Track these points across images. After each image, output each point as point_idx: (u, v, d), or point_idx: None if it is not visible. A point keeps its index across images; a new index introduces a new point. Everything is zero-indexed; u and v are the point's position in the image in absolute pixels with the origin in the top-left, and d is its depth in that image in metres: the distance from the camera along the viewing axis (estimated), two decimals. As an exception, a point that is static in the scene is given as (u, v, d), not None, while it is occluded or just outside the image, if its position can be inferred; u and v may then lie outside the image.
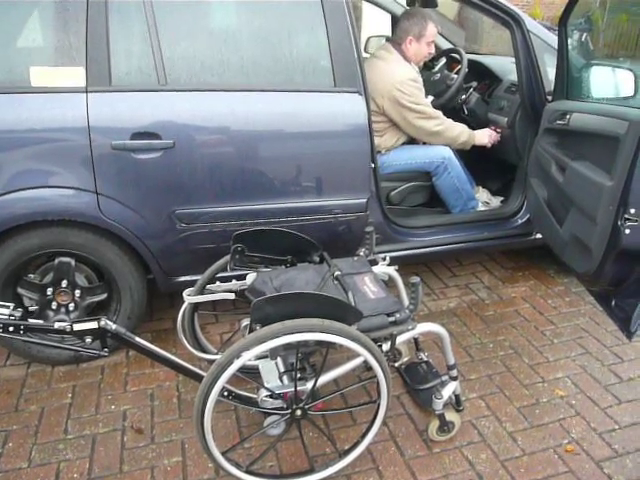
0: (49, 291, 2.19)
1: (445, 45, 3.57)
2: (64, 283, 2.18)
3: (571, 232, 2.26)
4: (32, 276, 2.20)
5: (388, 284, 2.06)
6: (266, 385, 1.68)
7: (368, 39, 3.59)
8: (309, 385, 1.69)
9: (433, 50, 2.84)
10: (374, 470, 1.87)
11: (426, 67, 3.25)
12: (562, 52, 2.34)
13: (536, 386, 2.25)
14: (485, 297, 2.87)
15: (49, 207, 2.03)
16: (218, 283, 2.03)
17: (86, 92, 1.98)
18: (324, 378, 1.72)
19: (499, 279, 3.04)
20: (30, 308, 2.23)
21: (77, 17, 1.96)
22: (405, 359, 2.26)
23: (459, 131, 2.81)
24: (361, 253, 2.13)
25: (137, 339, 1.70)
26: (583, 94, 2.38)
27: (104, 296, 2.28)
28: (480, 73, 3.27)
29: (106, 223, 2.08)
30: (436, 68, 3.18)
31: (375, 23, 2.96)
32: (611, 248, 2.02)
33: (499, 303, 2.82)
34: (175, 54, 2.06)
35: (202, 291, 2.04)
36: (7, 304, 1.65)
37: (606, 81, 2.36)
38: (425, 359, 2.18)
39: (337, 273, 1.89)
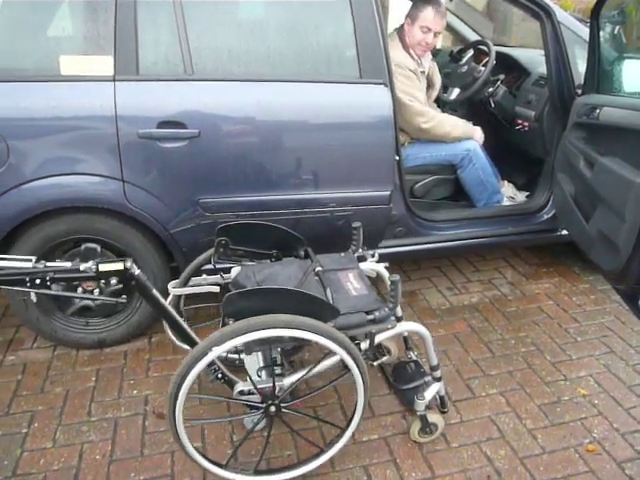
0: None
1: (473, 37, 3.52)
2: (91, 280, 2.21)
3: (598, 229, 2.21)
4: (59, 261, 2.24)
5: (376, 282, 2.02)
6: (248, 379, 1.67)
7: (394, 30, 3.56)
8: (285, 382, 1.68)
9: (431, 40, 2.67)
10: (391, 462, 1.87)
11: (453, 59, 3.21)
12: (593, 45, 2.29)
13: (558, 384, 2.22)
14: (508, 293, 2.84)
15: (76, 194, 2.06)
16: (204, 276, 2.02)
17: (114, 81, 2.00)
18: (298, 376, 1.70)
19: (523, 275, 3.01)
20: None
21: (106, 6, 1.98)
22: (385, 358, 2.18)
23: (450, 127, 2.71)
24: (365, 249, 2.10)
25: (154, 291, 1.69)
26: (615, 88, 2.33)
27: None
28: (508, 66, 3.22)
29: (131, 211, 2.11)
30: (463, 60, 3.13)
31: (402, 14, 2.92)
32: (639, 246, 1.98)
33: (522, 299, 2.79)
34: (202, 44, 2.07)
35: (187, 283, 2.03)
36: (29, 257, 1.62)
37: (639, 75, 2.30)
38: (414, 358, 2.13)
39: (318, 269, 1.86)
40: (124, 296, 1.72)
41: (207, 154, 2.09)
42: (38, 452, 1.90)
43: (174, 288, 2.00)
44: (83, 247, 2.20)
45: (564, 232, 2.78)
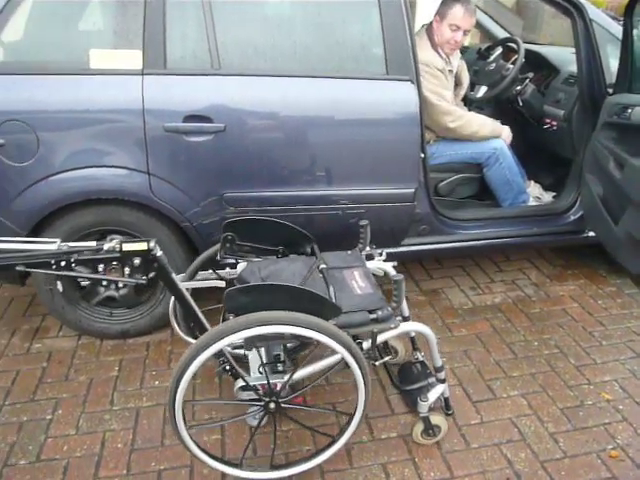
0: (100, 268, 2.25)
1: (501, 34, 3.47)
2: (115, 261, 2.24)
3: (627, 231, 2.17)
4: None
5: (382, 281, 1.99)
6: (251, 375, 1.67)
7: (422, 27, 3.53)
8: (286, 379, 1.67)
9: (460, 38, 2.63)
10: (410, 461, 1.87)
11: (481, 57, 3.17)
12: (626, 43, 2.25)
13: (581, 388, 2.19)
14: (532, 294, 2.81)
15: (103, 186, 2.09)
16: (211, 270, 2.02)
17: (142, 75, 2.02)
18: (300, 373, 1.69)
19: (547, 276, 2.96)
20: (82, 283, 2.31)
21: (136, 1, 2.00)
22: (388, 358, 2.11)
23: (477, 127, 2.68)
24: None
25: (173, 275, 1.70)
26: (648, 88, 2.28)
27: (152, 274, 2.33)
28: (537, 64, 3.17)
29: (157, 203, 2.13)
30: (491, 58, 3.09)
31: (429, 10, 2.89)
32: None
33: (546, 301, 2.75)
34: (229, 38, 2.07)
35: (193, 277, 2.04)
36: (53, 240, 1.63)
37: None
38: (421, 359, 2.09)
39: (322, 266, 1.85)
40: (144, 277, 1.72)
41: (232, 148, 2.10)
42: (62, 438, 1.94)
43: (180, 282, 2.01)
44: (109, 239, 2.23)
45: (591, 234, 2.73)
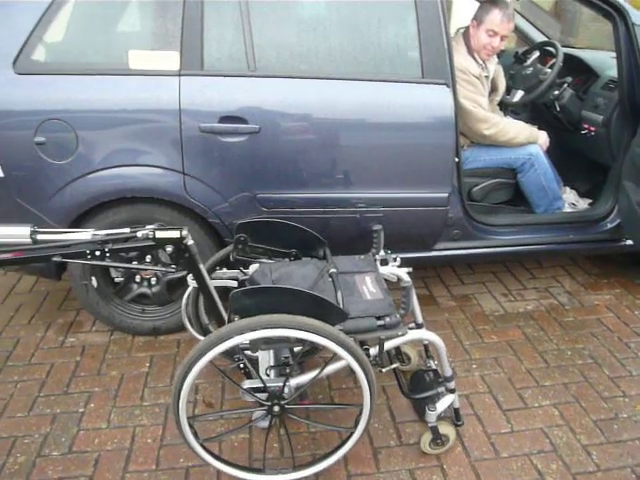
0: (134, 264, 2.30)
1: (539, 38, 3.41)
2: (148, 258, 2.28)
3: (667, 240, 2.12)
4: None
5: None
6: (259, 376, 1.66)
7: (458, 30, 3.50)
8: (292, 383, 1.65)
9: (497, 44, 2.58)
10: (438, 468, 1.85)
11: (518, 61, 3.12)
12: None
13: (616, 400, 2.14)
14: (565, 302, 2.75)
15: (139, 185, 2.13)
16: (224, 270, 2.02)
17: (179, 76, 2.05)
18: (304, 378, 1.68)
19: (582, 285, 2.90)
20: (116, 279, 2.36)
21: (175, 2, 2.03)
22: (396, 365, 2.04)
23: (513, 134, 2.63)
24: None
25: (201, 266, 1.71)
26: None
27: (184, 273, 2.36)
28: (576, 68, 3.10)
29: (191, 203, 2.16)
30: (528, 62, 3.04)
31: (466, 13, 2.87)
32: None
33: (580, 310, 2.70)
34: (265, 41, 2.09)
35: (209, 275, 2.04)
36: (87, 230, 1.66)
37: None
38: (434, 367, 2.03)
39: (332, 270, 1.82)
40: (174, 266, 1.73)
41: (266, 150, 2.11)
42: (93, 432, 1.97)
43: (193, 280, 2.02)
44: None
45: (629, 242, 2.68)
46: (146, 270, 2.31)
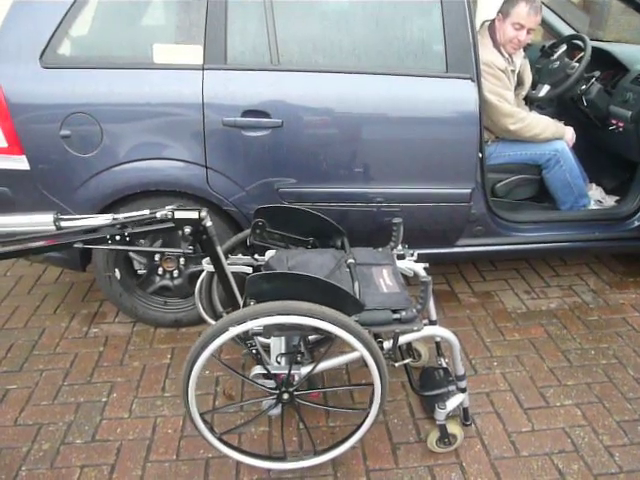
0: (156, 257, 2.32)
1: (567, 31, 3.35)
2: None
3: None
4: (142, 242, 2.34)
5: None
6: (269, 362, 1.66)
7: (483, 23, 3.45)
8: (302, 371, 1.64)
9: (523, 37, 2.54)
10: (457, 465, 1.84)
11: (544, 54, 3.06)
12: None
13: (640, 401, 2.11)
14: (590, 301, 2.71)
15: (162, 178, 2.14)
16: (240, 255, 2.01)
17: (202, 69, 2.05)
18: (318, 367, 1.66)
19: (607, 283, 2.85)
20: (139, 272, 2.39)
21: (199, -4, 2.03)
22: (409, 360, 2.04)
23: (540, 130, 2.59)
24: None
25: (218, 248, 1.72)
26: None
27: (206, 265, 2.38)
28: (604, 62, 3.04)
29: (213, 196, 2.17)
30: (555, 55, 2.98)
31: (492, 5, 2.82)
32: None
33: (605, 309, 2.65)
34: (289, 35, 2.09)
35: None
36: (106, 215, 1.68)
37: None
38: (444, 365, 2.02)
39: (350, 261, 1.81)
40: (191, 248, 1.73)
41: (289, 144, 2.11)
42: (115, 421, 2.00)
43: (208, 264, 1.99)
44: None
45: (656, 240, 2.62)
46: (164, 253, 2.30)
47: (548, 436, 1.95)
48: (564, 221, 2.64)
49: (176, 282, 2.39)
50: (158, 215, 1.65)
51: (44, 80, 2.03)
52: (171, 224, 1.65)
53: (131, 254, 2.35)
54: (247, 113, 2.06)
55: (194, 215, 1.63)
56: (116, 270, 2.33)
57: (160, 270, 2.38)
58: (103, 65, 2.06)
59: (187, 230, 1.65)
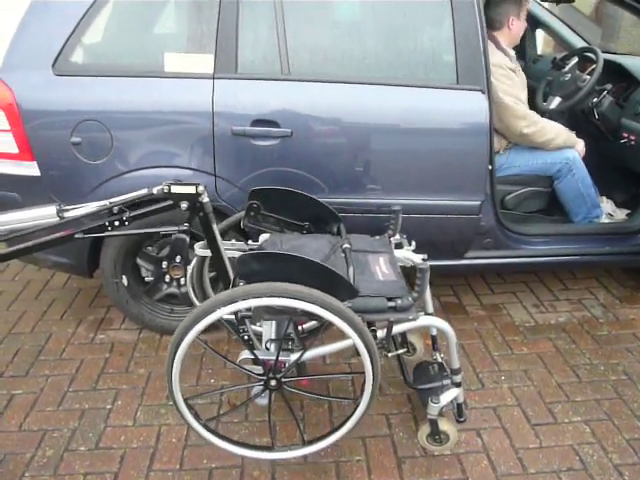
0: (164, 264, 2.31)
1: (578, 43, 3.34)
2: (178, 258, 2.29)
3: None
4: (150, 249, 2.35)
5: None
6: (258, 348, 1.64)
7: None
8: (291, 358, 1.61)
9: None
10: (463, 481, 1.82)
11: (556, 66, 3.05)
12: None
13: (651, 419, 2.07)
14: (599, 315, 2.68)
15: (171, 186, 2.15)
16: (233, 241, 2.00)
17: (213, 79, 2.06)
18: (308, 355, 1.63)
19: (617, 298, 2.82)
20: (146, 278, 2.39)
21: (211, 6, 2.04)
22: (402, 350, 2.02)
23: (553, 135, 2.59)
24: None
25: (214, 225, 1.71)
26: None
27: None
28: (616, 74, 3.02)
29: (222, 205, 2.17)
30: (567, 68, 2.97)
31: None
32: None
33: (615, 324, 2.62)
34: (299, 44, 2.10)
35: None
36: (103, 202, 1.70)
37: None
38: (440, 360, 1.99)
39: (345, 246, 1.77)
40: (186, 225, 1.73)
41: (298, 154, 2.11)
42: (120, 429, 2.00)
43: (200, 249, 1.98)
44: (173, 237, 2.28)
45: (668, 255, 2.59)
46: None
47: (556, 453, 1.92)
48: (574, 234, 2.62)
49: (182, 290, 2.38)
50: (155, 191, 1.66)
51: (56, 87, 2.05)
52: (169, 201, 1.65)
53: (138, 260, 2.35)
54: (257, 122, 2.07)
55: (191, 190, 1.63)
56: (123, 277, 2.33)
57: (167, 278, 2.37)
58: (115, 73, 2.08)
59: (184, 205, 1.65)
